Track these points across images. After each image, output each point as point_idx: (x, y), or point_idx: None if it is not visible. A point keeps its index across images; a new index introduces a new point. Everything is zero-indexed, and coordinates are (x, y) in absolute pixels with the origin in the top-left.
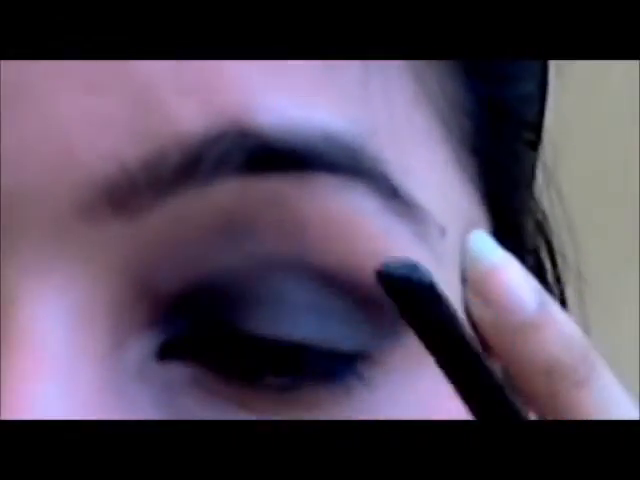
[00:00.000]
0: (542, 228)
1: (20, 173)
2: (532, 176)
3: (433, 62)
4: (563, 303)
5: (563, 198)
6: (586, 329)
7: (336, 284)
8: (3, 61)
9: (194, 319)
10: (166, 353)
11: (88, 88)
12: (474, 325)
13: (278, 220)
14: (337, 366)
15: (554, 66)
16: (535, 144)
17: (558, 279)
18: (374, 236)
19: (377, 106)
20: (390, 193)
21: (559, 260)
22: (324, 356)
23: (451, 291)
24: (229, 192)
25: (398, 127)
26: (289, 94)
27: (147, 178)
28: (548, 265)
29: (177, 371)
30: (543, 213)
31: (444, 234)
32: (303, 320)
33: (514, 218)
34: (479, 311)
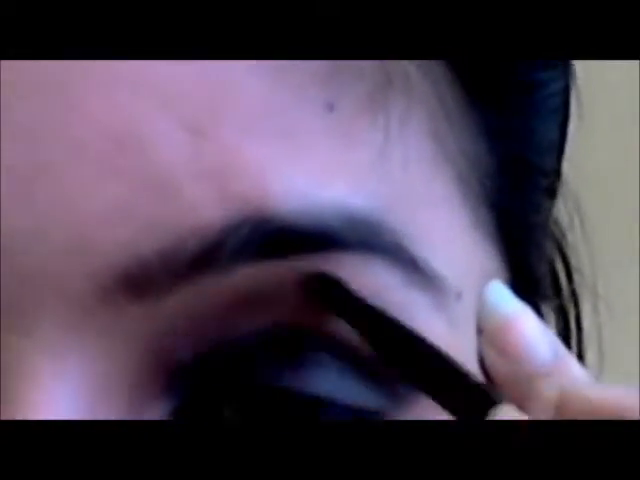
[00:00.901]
0: (558, 242)
1: (37, 255)
2: (548, 222)
3: (452, 121)
4: (578, 318)
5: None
6: (600, 343)
7: (352, 352)
8: (26, 141)
9: (208, 383)
10: (180, 417)
11: (106, 175)
12: (488, 375)
13: (298, 296)
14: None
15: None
16: (554, 191)
17: (573, 294)
18: (394, 308)
19: (396, 177)
20: (410, 266)
21: (575, 276)
22: (340, 411)
23: (464, 351)
24: (246, 277)
25: (417, 195)
26: (306, 175)
27: (164, 267)
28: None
29: None
30: (560, 227)
31: (460, 298)
32: (319, 379)
33: (531, 265)
34: (494, 361)
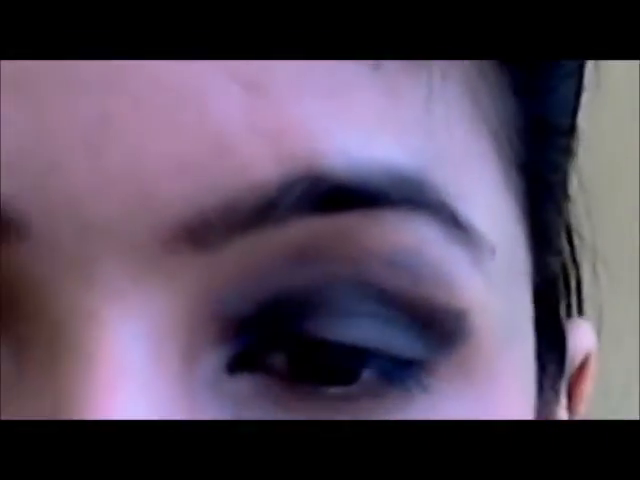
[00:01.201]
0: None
1: (100, 208)
2: (567, 179)
3: (487, 80)
4: (579, 282)
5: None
6: (599, 309)
7: (399, 303)
8: (88, 94)
9: (261, 334)
10: (236, 366)
11: (167, 129)
12: None
13: (345, 251)
14: (397, 372)
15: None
16: (570, 149)
17: (574, 256)
18: (435, 263)
19: (439, 134)
20: (451, 222)
21: (576, 240)
22: (385, 362)
23: (498, 307)
24: (300, 231)
25: (458, 153)
26: (354, 132)
27: (222, 221)
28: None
29: (246, 383)
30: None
31: (494, 256)
32: (365, 328)
33: (549, 224)
34: None
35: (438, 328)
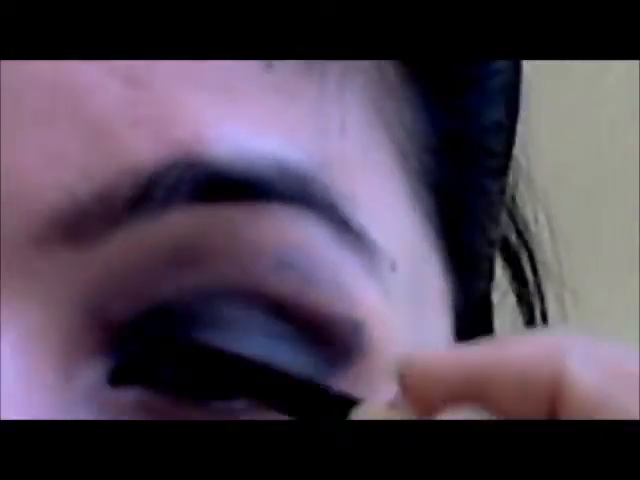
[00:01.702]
0: (523, 237)
1: None
2: (500, 202)
3: (392, 92)
4: (544, 312)
5: (549, 206)
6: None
7: (287, 311)
8: None
9: (145, 342)
10: (117, 378)
11: (40, 119)
12: None
13: (231, 249)
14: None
15: (527, 85)
16: (503, 170)
17: (539, 287)
18: (325, 266)
19: (332, 136)
20: (341, 224)
21: (540, 269)
22: (274, 379)
23: (397, 324)
24: (181, 221)
25: (354, 159)
26: (242, 124)
27: (98, 209)
28: (529, 274)
29: (128, 395)
30: (524, 221)
31: (394, 269)
32: (253, 341)
33: (472, 247)
34: None
35: (332, 341)
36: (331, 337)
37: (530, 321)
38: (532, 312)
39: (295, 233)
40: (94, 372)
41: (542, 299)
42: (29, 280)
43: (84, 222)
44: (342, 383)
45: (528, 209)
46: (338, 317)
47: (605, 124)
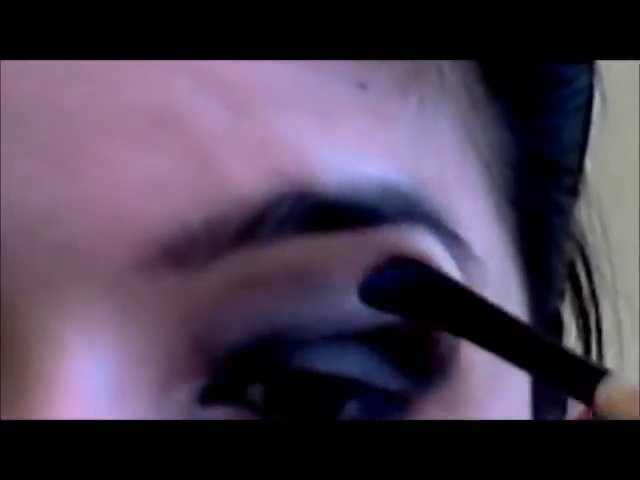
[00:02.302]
0: (578, 242)
1: (76, 227)
2: (573, 219)
3: (480, 112)
4: (598, 319)
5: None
6: (620, 345)
7: (385, 337)
8: (62, 120)
9: (241, 366)
10: (209, 398)
11: (145, 146)
12: None
13: (343, 275)
14: (382, 405)
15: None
16: (576, 190)
17: (594, 294)
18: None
19: (429, 157)
20: (450, 237)
21: (595, 276)
22: (371, 395)
23: None
24: (288, 251)
25: (450, 178)
26: (343, 148)
27: (207, 238)
28: (584, 280)
29: (218, 414)
30: (579, 227)
31: (487, 282)
32: (352, 359)
33: (549, 266)
34: None
35: (429, 360)
36: (427, 356)
37: (584, 329)
38: (587, 320)
39: (410, 248)
40: (186, 393)
41: (597, 306)
42: (132, 305)
43: (192, 251)
44: (432, 402)
45: (582, 214)
46: (437, 339)
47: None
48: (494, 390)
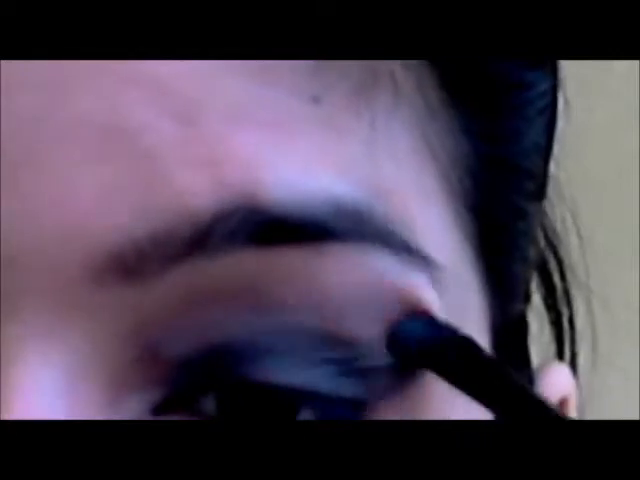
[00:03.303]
0: (550, 241)
1: (28, 239)
2: (537, 223)
3: (436, 118)
4: (571, 317)
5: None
6: (594, 342)
7: (348, 343)
8: (10, 129)
9: (192, 377)
10: (162, 409)
11: (96, 159)
12: None
13: (292, 291)
14: (337, 413)
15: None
16: (540, 194)
17: (567, 293)
18: (397, 294)
19: (384, 168)
20: (401, 248)
21: (568, 274)
22: (325, 403)
23: None
24: (237, 264)
25: (405, 188)
26: (296, 163)
27: (156, 250)
28: (557, 279)
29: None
30: (552, 226)
31: (446, 284)
32: (307, 372)
33: (512, 272)
34: None
35: (382, 368)
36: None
37: (558, 327)
38: (560, 318)
39: (359, 268)
40: (139, 403)
41: (570, 305)
42: (80, 314)
43: (141, 262)
44: (391, 407)
45: (556, 212)
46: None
47: (605, 124)
48: (449, 407)
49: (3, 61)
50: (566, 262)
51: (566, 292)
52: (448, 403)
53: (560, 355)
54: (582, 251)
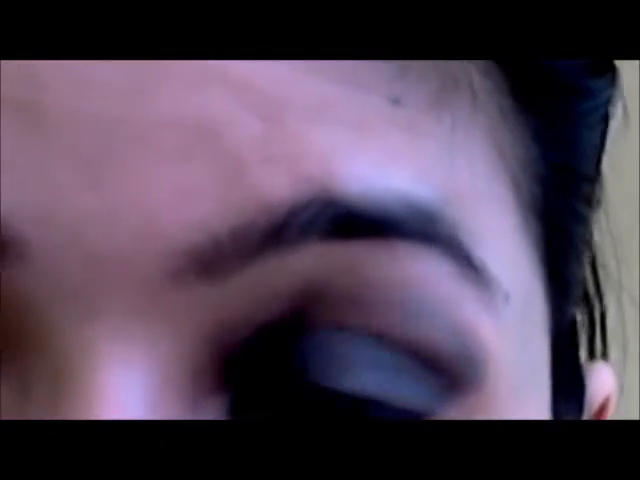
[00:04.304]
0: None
1: (107, 239)
2: (590, 229)
3: (509, 126)
4: (603, 313)
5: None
6: (625, 340)
7: (407, 347)
8: (93, 130)
9: (266, 377)
10: (238, 410)
11: (176, 157)
12: None
13: (360, 285)
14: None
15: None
16: (594, 194)
17: (598, 289)
18: (446, 303)
19: (460, 174)
20: (464, 260)
21: (600, 270)
22: (389, 413)
23: (509, 358)
24: (313, 257)
25: (478, 195)
26: (372, 161)
27: (234, 245)
28: (589, 276)
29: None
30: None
31: (508, 301)
32: (369, 377)
33: (570, 276)
34: None
35: (448, 375)
36: (446, 372)
37: (589, 324)
38: (592, 315)
39: (416, 267)
40: (217, 405)
41: (601, 301)
42: (160, 315)
43: (219, 257)
44: (455, 417)
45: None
46: (455, 353)
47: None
48: (514, 409)
49: (85, 61)
50: (598, 259)
51: (598, 289)
52: (514, 411)
53: (591, 354)
54: (614, 248)
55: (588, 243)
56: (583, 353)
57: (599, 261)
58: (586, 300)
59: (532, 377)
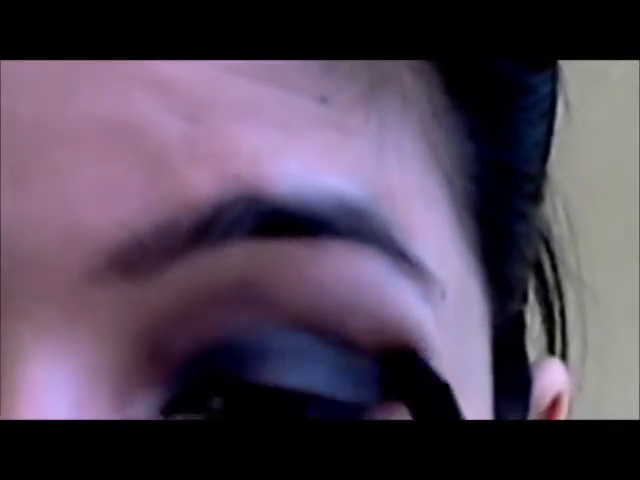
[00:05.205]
0: (542, 233)
1: (32, 240)
2: (536, 224)
3: (442, 123)
4: (562, 309)
5: (567, 204)
6: (584, 335)
7: (345, 344)
8: (15, 131)
9: (199, 376)
10: (171, 409)
11: (100, 157)
12: None
13: (290, 284)
14: (338, 414)
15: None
16: (539, 192)
17: (558, 285)
18: (382, 296)
19: (390, 171)
20: (399, 255)
21: (560, 266)
22: (330, 406)
23: (448, 351)
24: (239, 256)
25: (410, 192)
26: (299, 160)
27: (158, 243)
28: (549, 271)
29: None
30: (544, 218)
31: (444, 296)
32: (305, 373)
33: (513, 276)
34: None
35: (387, 369)
36: (386, 365)
37: (549, 320)
38: (551, 311)
39: (352, 266)
40: (147, 403)
41: (561, 297)
42: (84, 315)
43: (143, 257)
44: (391, 412)
45: (547, 206)
46: (397, 347)
47: (605, 124)
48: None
49: (4, 62)
50: (558, 255)
51: (558, 284)
52: None
53: (551, 349)
54: (574, 244)
55: (546, 239)
56: (542, 350)
57: (558, 256)
58: (545, 296)
59: (471, 374)
